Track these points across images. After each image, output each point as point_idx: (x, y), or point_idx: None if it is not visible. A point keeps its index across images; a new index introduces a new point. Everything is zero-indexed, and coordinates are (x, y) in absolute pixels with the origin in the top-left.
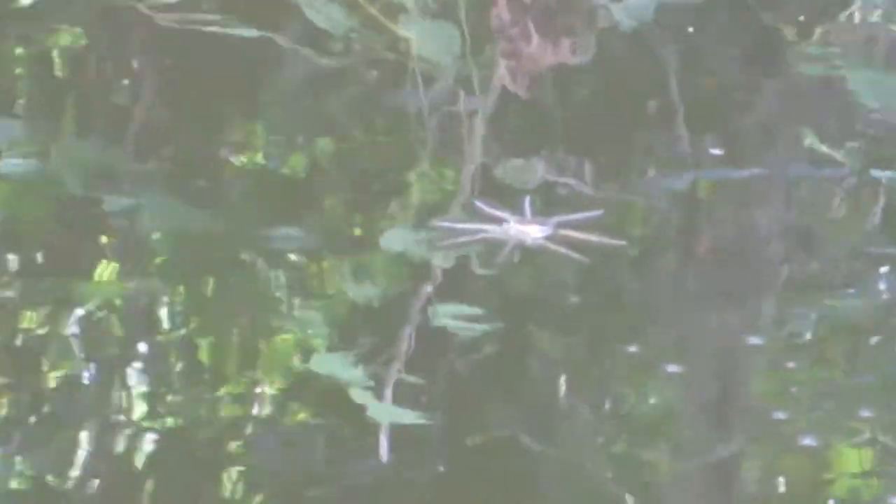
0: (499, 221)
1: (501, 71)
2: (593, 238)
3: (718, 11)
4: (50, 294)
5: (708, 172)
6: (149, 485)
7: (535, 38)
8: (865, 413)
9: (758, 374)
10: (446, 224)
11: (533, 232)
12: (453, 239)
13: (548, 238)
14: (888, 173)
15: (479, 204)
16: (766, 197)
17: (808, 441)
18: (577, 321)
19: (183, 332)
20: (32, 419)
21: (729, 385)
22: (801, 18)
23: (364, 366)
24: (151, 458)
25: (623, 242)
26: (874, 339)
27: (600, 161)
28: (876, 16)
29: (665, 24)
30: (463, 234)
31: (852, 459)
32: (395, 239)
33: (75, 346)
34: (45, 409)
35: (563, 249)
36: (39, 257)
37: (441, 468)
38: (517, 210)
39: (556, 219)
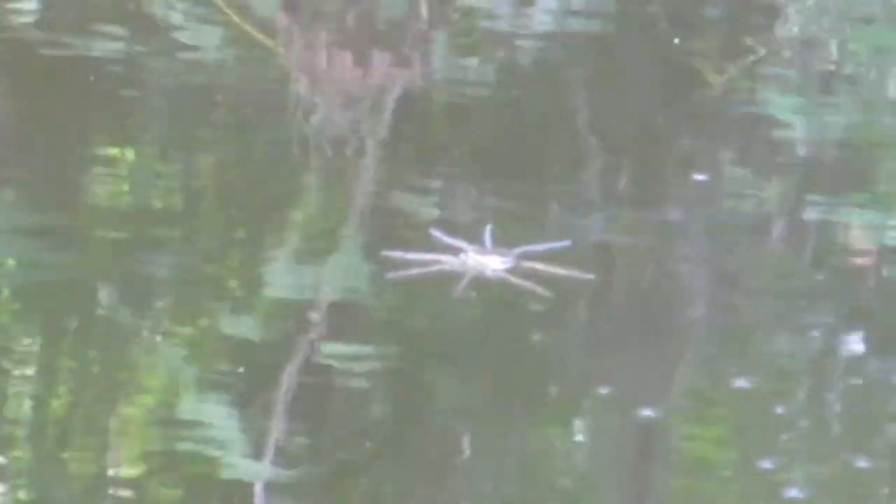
0: (456, 251)
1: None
2: (560, 270)
3: (630, 43)
4: None
5: (614, 214)
6: None
7: (326, 54)
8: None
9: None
10: (397, 254)
11: (493, 263)
12: (405, 271)
13: (509, 270)
14: (817, 212)
15: (434, 232)
16: (685, 239)
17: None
18: (477, 364)
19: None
20: None
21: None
22: (721, 47)
23: (239, 410)
24: None
25: (592, 276)
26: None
27: (504, 195)
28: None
29: (575, 54)
30: (416, 264)
31: None
32: (279, 274)
33: None
34: None
35: (526, 283)
36: None
37: None
38: (475, 239)
39: (518, 249)
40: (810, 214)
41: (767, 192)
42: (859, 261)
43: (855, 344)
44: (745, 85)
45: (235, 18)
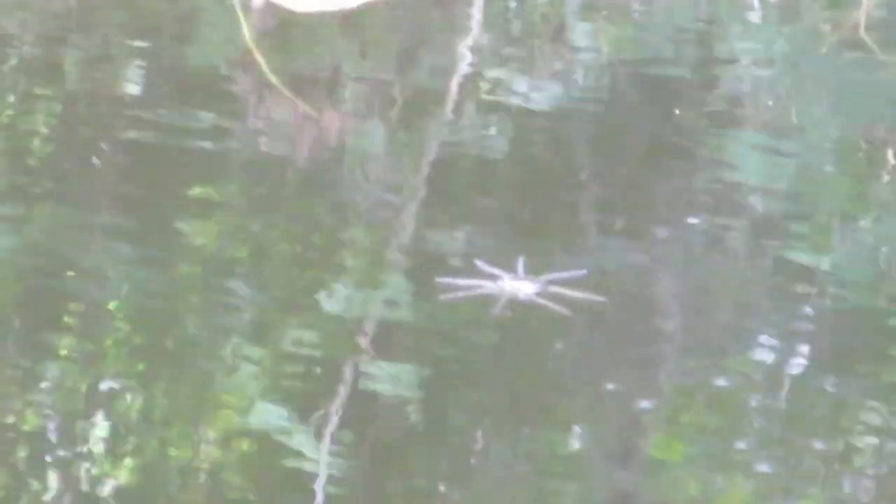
0: (494, 278)
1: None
2: (578, 294)
3: (618, 116)
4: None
5: (607, 255)
6: None
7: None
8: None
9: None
10: (447, 280)
11: (525, 288)
12: (454, 294)
13: (538, 294)
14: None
15: (477, 262)
16: (667, 270)
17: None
18: (495, 377)
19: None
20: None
21: (628, 438)
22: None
23: (301, 418)
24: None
25: (603, 299)
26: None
27: (517, 241)
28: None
29: (578, 118)
30: (462, 289)
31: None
32: (334, 300)
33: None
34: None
35: (551, 304)
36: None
37: None
38: (511, 268)
39: (546, 277)
40: (765, 245)
41: (731, 230)
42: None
43: (800, 352)
44: (713, 142)
45: (302, 106)
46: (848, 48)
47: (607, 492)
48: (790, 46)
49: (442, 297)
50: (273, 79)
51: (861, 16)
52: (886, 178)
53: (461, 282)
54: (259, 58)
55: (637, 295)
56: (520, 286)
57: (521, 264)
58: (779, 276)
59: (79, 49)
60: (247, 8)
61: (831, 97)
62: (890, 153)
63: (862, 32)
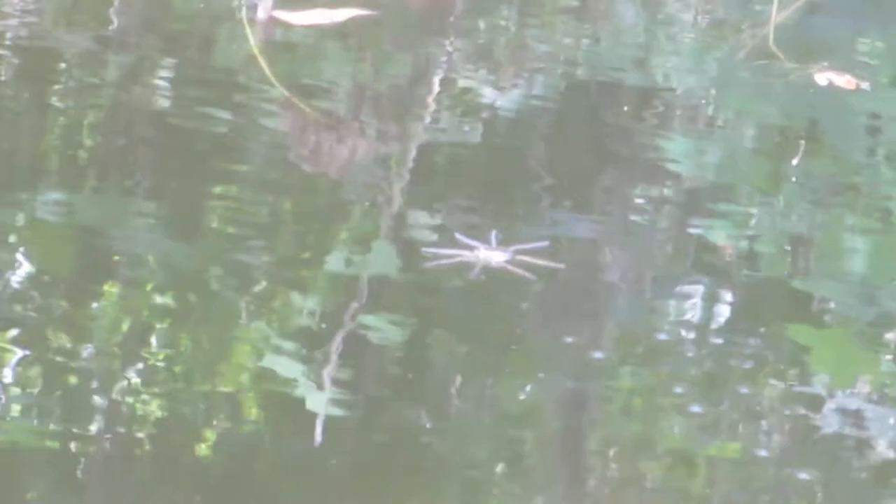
0: (471, 249)
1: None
2: (540, 261)
3: (571, 113)
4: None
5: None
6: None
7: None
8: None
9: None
10: (432, 250)
11: (497, 257)
12: (437, 261)
13: (507, 261)
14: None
15: (458, 235)
16: (610, 241)
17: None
18: (470, 330)
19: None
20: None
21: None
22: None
23: (305, 365)
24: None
25: (560, 265)
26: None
27: (486, 216)
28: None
29: (534, 119)
30: (444, 257)
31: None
32: (335, 261)
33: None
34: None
35: (518, 270)
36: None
37: (360, 451)
38: (485, 240)
39: (514, 247)
40: (692, 228)
41: (663, 209)
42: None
43: (721, 316)
44: (649, 139)
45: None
46: (760, 57)
47: (561, 424)
48: (715, 59)
49: (427, 264)
50: (276, 83)
51: (770, 31)
52: (796, 162)
53: (443, 251)
54: (263, 64)
55: (586, 262)
56: (492, 255)
57: (493, 237)
58: (703, 248)
59: (118, 64)
60: (253, 21)
61: (749, 98)
62: (801, 143)
63: (771, 44)
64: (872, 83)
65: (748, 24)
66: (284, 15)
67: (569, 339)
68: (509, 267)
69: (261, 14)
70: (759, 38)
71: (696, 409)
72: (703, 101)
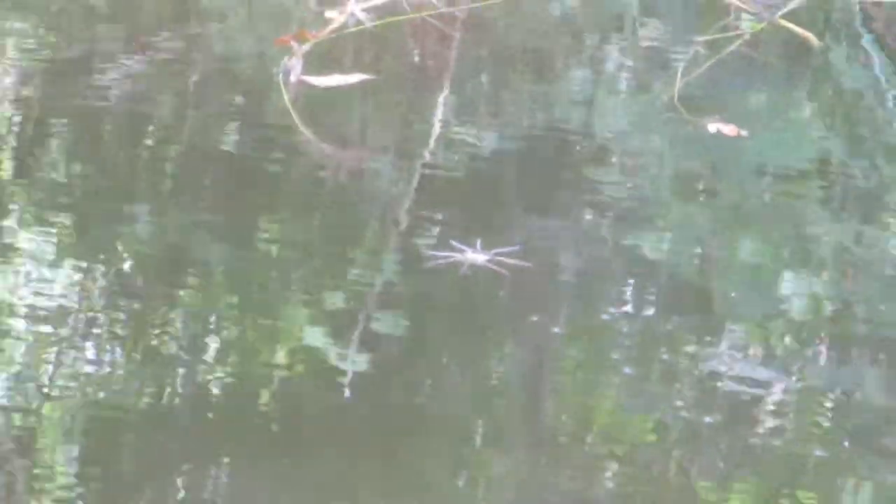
0: (462, 252)
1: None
2: (513, 261)
3: (539, 151)
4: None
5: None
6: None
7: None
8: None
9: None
10: (432, 252)
11: (480, 258)
12: (436, 261)
13: (488, 261)
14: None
15: (452, 242)
16: (565, 248)
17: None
18: (460, 314)
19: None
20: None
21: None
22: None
23: (336, 340)
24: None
25: (528, 264)
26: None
27: (476, 229)
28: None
29: (511, 153)
30: (441, 258)
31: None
32: (357, 268)
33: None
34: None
35: (497, 268)
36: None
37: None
38: (473, 246)
39: (493, 250)
40: (627, 236)
41: (604, 224)
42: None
43: (649, 301)
44: (592, 169)
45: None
46: (669, 109)
47: (526, 390)
48: (639, 113)
49: (428, 264)
50: (306, 132)
51: (675, 90)
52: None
53: (440, 253)
54: (295, 116)
55: (548, 262)
56: (477, 257)
57: (478, 243)
58: (636, 258)
59: (195, 118)
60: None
61: (663, 144)
62: (702, 183)
63: (675, 101)
64: (751, 130)
65: (662, 81)
66: (310, 78)
67: (533, 318)
68: (490, 265)
69: (292, 77)
70: (668, 94)
71: (627, 370)
72: (635, 147)
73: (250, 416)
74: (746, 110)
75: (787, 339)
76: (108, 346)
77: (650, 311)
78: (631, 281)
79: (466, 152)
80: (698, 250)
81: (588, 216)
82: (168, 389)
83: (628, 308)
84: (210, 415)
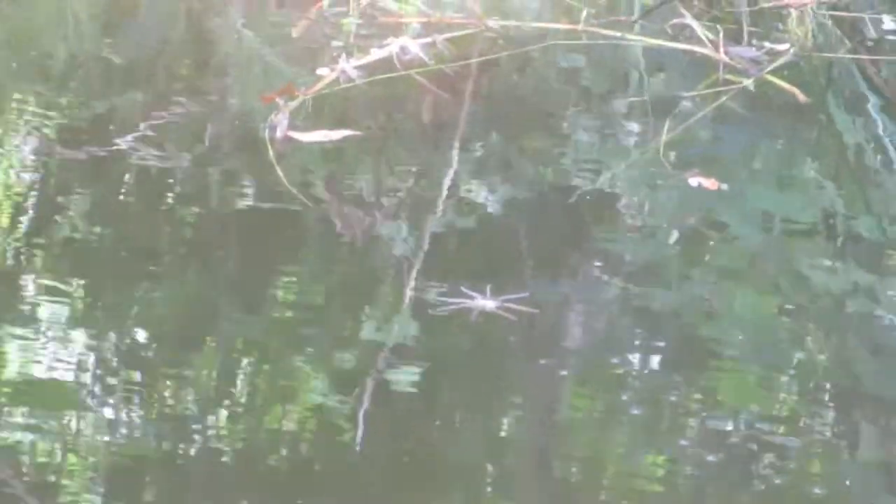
0: (472, 298)
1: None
2: (521, 307)
3: (534, 203)
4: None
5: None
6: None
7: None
8: None
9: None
10: (441, 298)
11: (489, 304)
12: (447, 308)
13: (497, 307)
14: None
15: (462, 288)
16: (568, 297)
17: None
18: (471, 358)
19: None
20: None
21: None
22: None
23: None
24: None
25: (536, 310)
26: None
27: (485, 277)
28: None
29: (518, 207)
30: (452, 305)
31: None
32: (370, 326)
33: None
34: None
35: (505, 314)
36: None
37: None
38: (482, 292)
39: (502, 297)
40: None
41: (604, 278)
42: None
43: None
44: (596, 226)
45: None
46: (655, 164)
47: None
48: (636, 169)
49: (439, 309)
50: (290, 187)
51: (661, 145)
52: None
53: (452, 300)
54: (280, 172)
55: (554, 309)
56: (486, 303)
57: (488, 290)
58: (630, 311)
59: (201, 176)
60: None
61: (654, 197)
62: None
63: (661, 156)
64: (729, 183)
65: (647, 138)
66: (296, 134)
67: (541, 361)
68: (498, 311)
69: (278, 133)
70: (652, 150)
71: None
72: (633, 200)
73: (262, 475)
74: (747, 166)
75: (789, 391)
76: (122, 408)
77: (655, 361)
78: (637, 332)
79: (474, 207)
80: (702, 302)
81: (596, 271)
82: (180, 449)
83: (619, 353)
84: (222, 473)
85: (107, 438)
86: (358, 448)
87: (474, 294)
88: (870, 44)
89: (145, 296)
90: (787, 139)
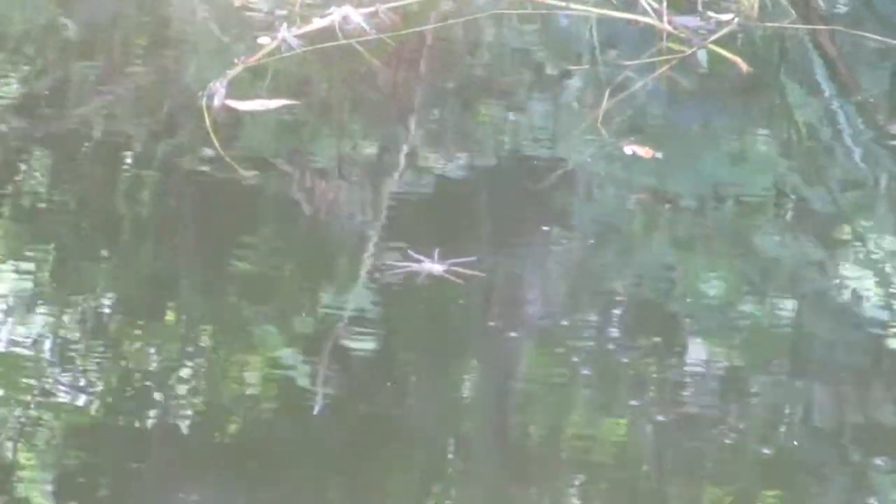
0: (419, 262)
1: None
2: (467, 271)
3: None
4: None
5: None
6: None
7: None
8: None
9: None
10: (391, 262)
11: (437, 268)
12: (395, 270)
13: (445, 271)
14: None
15: (410, 252)
16: (515, 261)
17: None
18: (418, 319)
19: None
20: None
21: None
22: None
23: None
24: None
25: (482, 274)
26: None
27: (434, 241)
28: None
29: (475, 178)
30: (400, 268)
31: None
32: (329, 294)
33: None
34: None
35: (452, 277)
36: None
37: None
38: (430, 256)
39: (449, 261)
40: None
41: (559, 244)
42: None
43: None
44: (551, 193)
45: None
46: (594, 133)
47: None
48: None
49: (386, 272)
50: (224, 155)
51: (599, 114)
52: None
53: (400, 263)
54: (215, 140)
55: (501, 272)
56: (434, 267)
57: (436, 253)
58: (596, 277)
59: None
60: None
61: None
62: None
63: (599, 124)
64: (665, 152)
65: (588, 107)
66: (233, 103)
67: (490, 323)
68: (446, 275)
69: (216, 102)
70: (592, 119)
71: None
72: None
73: (222, 439)
74: (702, 135)
75: (745, 359)
76: (84, 373)
77: (611, 326)
78: (591, 298)
79: (432, 175)
80: (657, 270)
81: (536, 234)
82: (143, 414)
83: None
84: (183, 437)
85: (65, 403)
86: (316, 411)
87: (422, 257)
88: (822, 13)
89: (100, 266)
90: (735, 110)
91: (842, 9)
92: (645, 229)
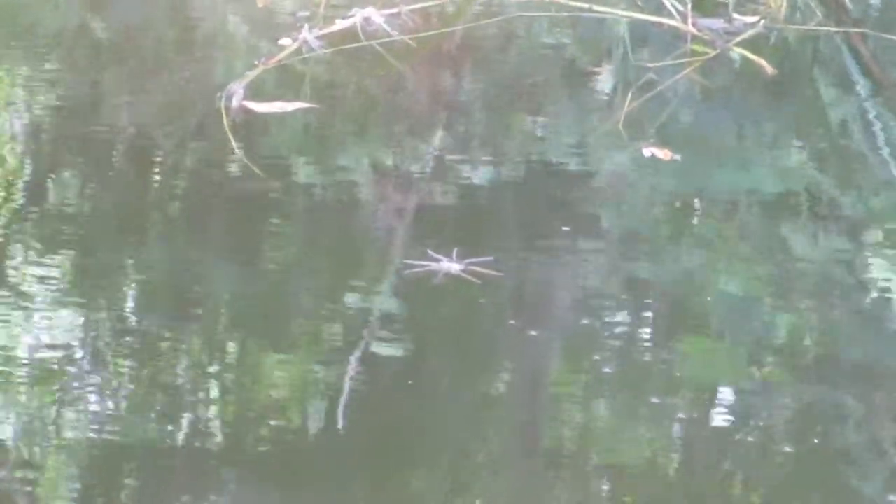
0: (438, 261)
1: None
2: (485, 271)
3: (519, 178)
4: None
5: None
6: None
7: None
8: None
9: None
10: (411, 262)
11: (455, 268)
12: (415, 269)
13: (462, 270)
14: None
15: (429, 252)
16: (532, 264)
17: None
18: (437, 317)
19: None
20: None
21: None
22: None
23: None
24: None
25: (500, 274)
26: None
27: (453, 241)
28: None
29: (498, 186)
30: (419, 267)
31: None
32: (354, 281)
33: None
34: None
35: (470, 277)
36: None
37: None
38: (449, 256)
39: (467, 260)
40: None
41: (573, 252)
42: None
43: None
44: (573, 202)
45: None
46: (614, 134)
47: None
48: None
49: (407, 271)
50: (244, 157)
51: (621, 116)
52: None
53: (420, 262)
54: (233, 141)
55: (518, 274)
56: (452, 266)
57: (454, 254)
58: (625, 279)
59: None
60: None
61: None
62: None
63: (620, 126)
64: (683, 154)
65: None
66: (251, 104)
67: (510, 321)
68: (464, 275)
69: (234, 103)
70: (612, 121)
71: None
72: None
73: (250, 445)
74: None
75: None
76: (113, 380)
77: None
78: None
79: (457, 183)
80: (683, 273)
81: (552, 241)
82: (171, 419)
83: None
84: (211, 444)
85: (93, 408)
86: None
87: (441, 257)
88: (854, 17)
89: (127, 263)
90: (764, 113)
91: (872, 13)
92: (664, 232)
